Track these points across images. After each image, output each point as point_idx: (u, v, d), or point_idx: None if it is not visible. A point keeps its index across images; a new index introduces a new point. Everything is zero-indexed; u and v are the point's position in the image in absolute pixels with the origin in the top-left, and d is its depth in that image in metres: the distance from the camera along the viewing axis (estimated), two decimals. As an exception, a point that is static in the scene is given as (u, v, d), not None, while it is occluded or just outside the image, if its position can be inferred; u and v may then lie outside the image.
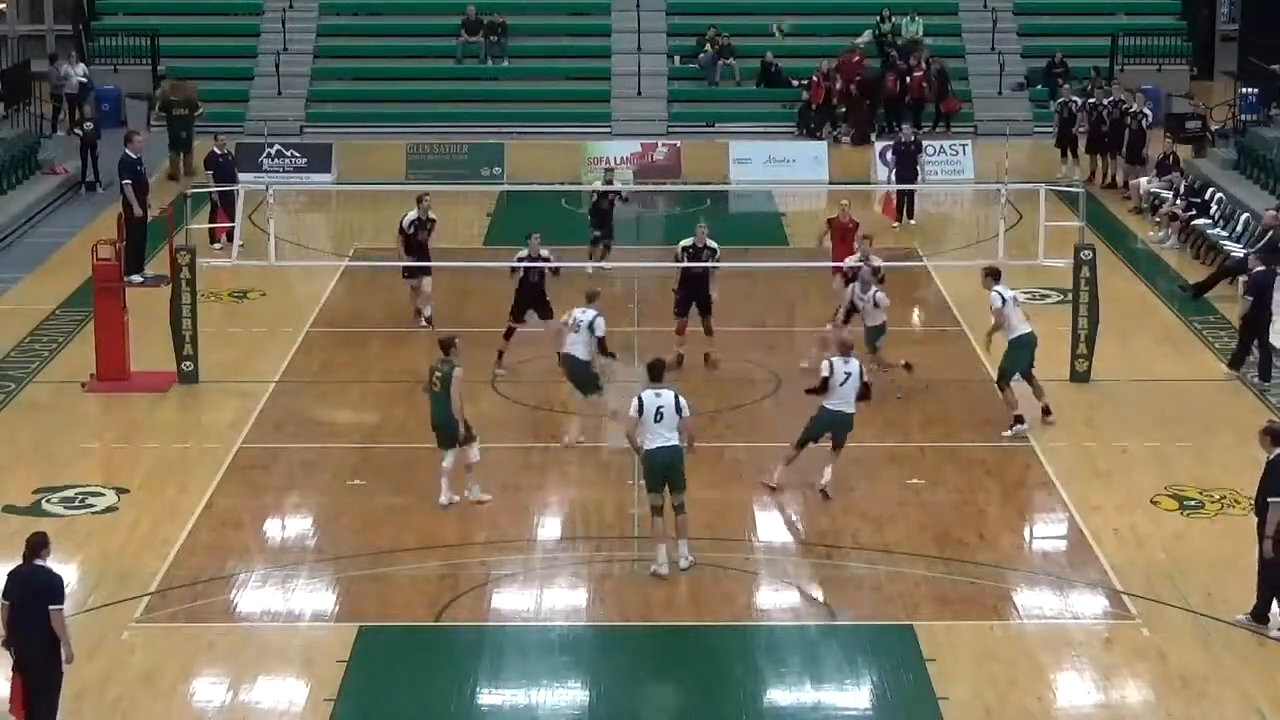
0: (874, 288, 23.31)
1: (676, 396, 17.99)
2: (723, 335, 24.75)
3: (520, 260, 24.10)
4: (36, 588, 14.26)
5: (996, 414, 22.78)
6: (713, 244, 24.37)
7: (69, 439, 21.96)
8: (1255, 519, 16.74)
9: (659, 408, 17.88)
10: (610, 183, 30.10)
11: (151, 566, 18.15)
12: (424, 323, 26.06)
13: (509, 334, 24.05)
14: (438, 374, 19.48)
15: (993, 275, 22.28)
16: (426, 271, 26.47)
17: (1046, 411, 22.21)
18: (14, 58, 44.00)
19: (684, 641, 16.91)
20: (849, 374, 19.82)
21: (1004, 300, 22.01)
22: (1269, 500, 16.45)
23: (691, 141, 39.75)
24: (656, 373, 18.34)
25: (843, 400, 19.86)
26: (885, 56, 42.56)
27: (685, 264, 24.30)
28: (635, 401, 18.05)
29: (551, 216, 32.69)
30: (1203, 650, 16.46)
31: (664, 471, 17.93)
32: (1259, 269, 24.39)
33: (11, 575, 14.51)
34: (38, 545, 14.43)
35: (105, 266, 23.97)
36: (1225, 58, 47.61)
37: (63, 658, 14.29)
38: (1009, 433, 21.87)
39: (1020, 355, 22.07)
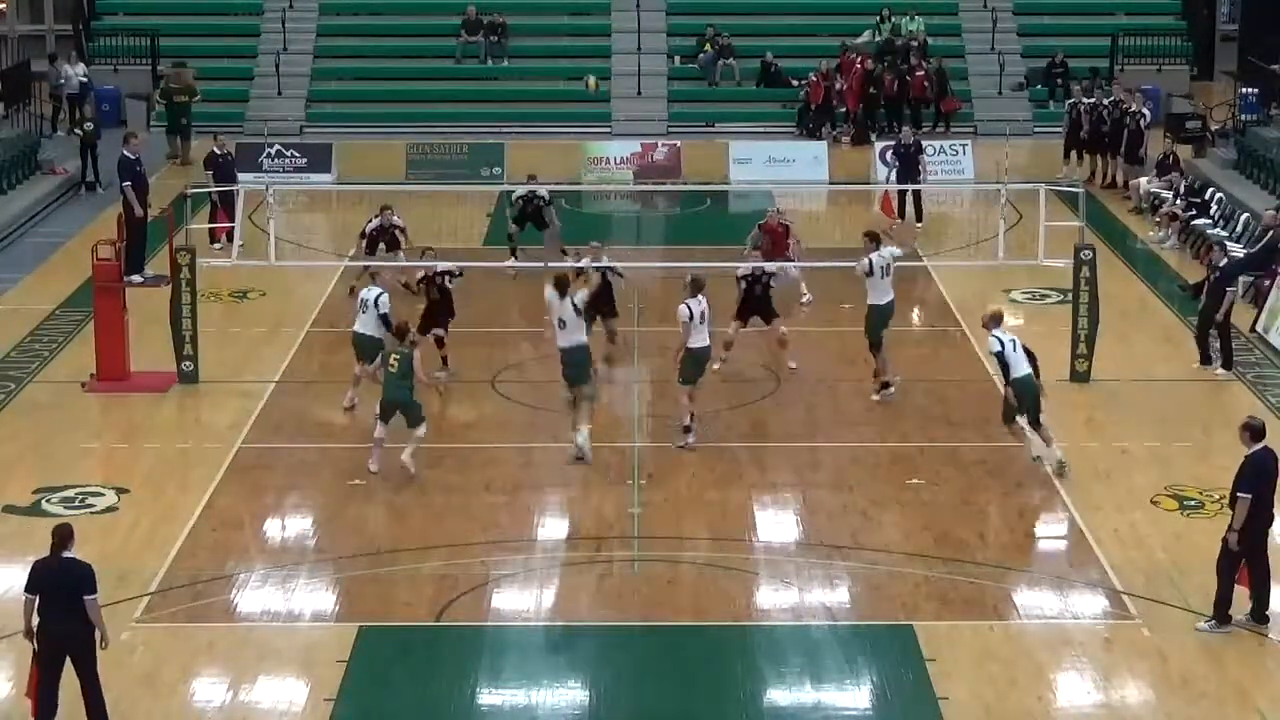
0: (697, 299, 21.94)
1: (572, 301, 21.06)
2: (723, 335, 24.68)
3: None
4: (70, 579, 14.50)
5: (996, 414, 22.78)
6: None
7: (69, 439, 21.96)
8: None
9: (560, 318, 20.93)
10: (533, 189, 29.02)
11: (151, 566, 18.17)
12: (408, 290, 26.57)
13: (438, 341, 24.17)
14: (395, 357, 20.43)
15: (873, 237, 23.25)
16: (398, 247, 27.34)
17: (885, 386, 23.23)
18: (14, 58, 44.01)
19: (684, 641, 16.91)
20: (1013, 340, 20.71)
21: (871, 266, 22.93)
22: (1238, 495, 16.51)
23: (691, 141, 39.74)
24: (561, 285, 21.15)
25: (1019, 366, 20.59)
26: (886, 56, 42.52)
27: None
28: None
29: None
30: (1203, 650, 16.46)
31: (574, 367, 20.97)
32: (1224, 260, 24.42)
33: (39, 568, 14.67)
34: (65, 537, 14.63)
35: (105, 266, 23.97)
36: (1225, 58, 47.60)
37: (98, 642, 14.63)
38: (876, 397, 22.95)
39: (877, 322, 23.16)
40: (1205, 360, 24.39)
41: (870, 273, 22.98)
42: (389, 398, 20.52)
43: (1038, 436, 20.78)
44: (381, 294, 22.41)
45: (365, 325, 22.43)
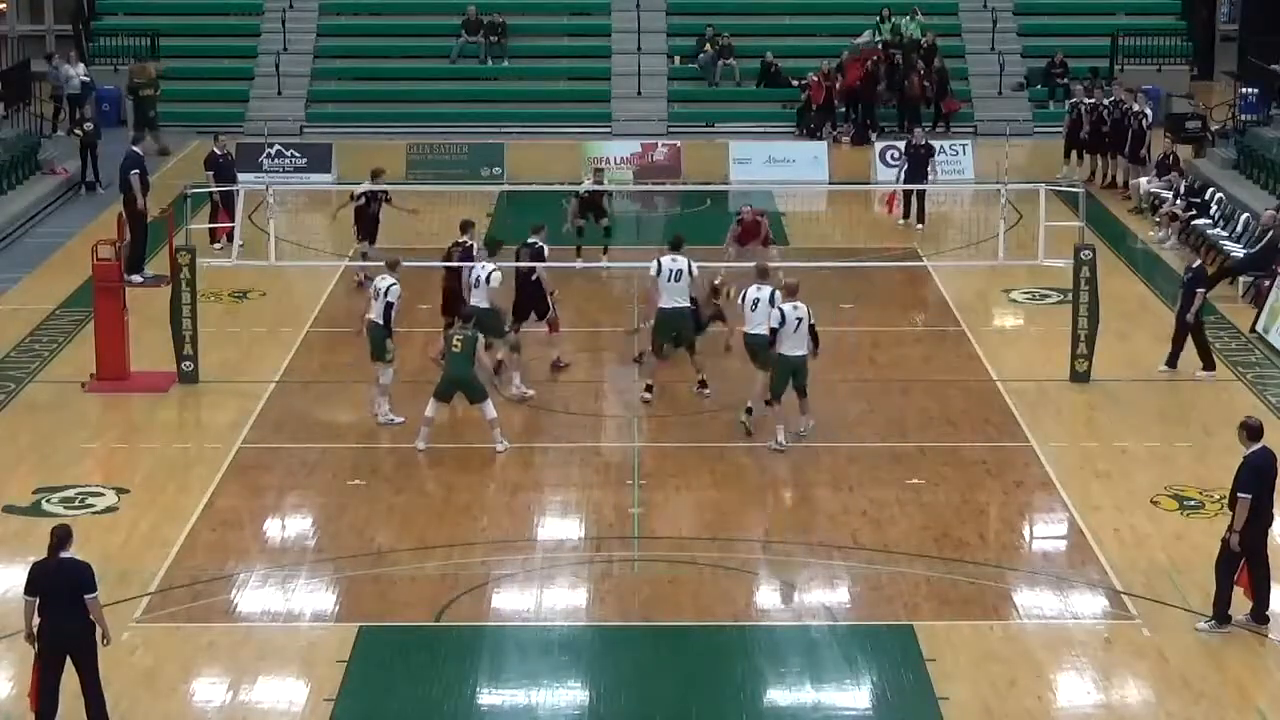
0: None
1: (488, 269, 22.98)
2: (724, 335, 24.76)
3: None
4: (70, 579, 14.51)
5: (996, 414, 22.81)
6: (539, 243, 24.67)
7: (69, 439, 21.96)
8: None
9: (476, 277, 22.96)
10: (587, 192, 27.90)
11: (151, 566, 18.16)
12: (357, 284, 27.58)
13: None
14: (458, 339, 21.19)
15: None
16: (373, 238, 27.92)
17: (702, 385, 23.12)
18: (14, 58, 44.01)
19: (684, 641, 16.90)
20: (799, 319, 21.05)
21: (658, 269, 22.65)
22: (1238, 495, 16.51)
23: (691, 141, 39.74)
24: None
25: (796, 344, 21.16)
26: (888, 57, 42.48)
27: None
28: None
29: (551, 216, 32.64)
30: (1203, 650, 16.46)
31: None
32: (1198, 263, 24.39)
33: (38, 569, 14.67)
34: (64, 538, 14.63)
35: (105, 266, 23.96)
36: (1225, 58, 47.61)
37: (98, 641, 14.64)
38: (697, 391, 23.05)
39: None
40: (1171, 363, 24.22)
41: (659, 274, 22.80)
42: (452, 375, 21.17)
43: (804, 415, 21.49)
44: (393, 284, 22.46)
45: (376, 314, 22.48)
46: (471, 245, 24.82)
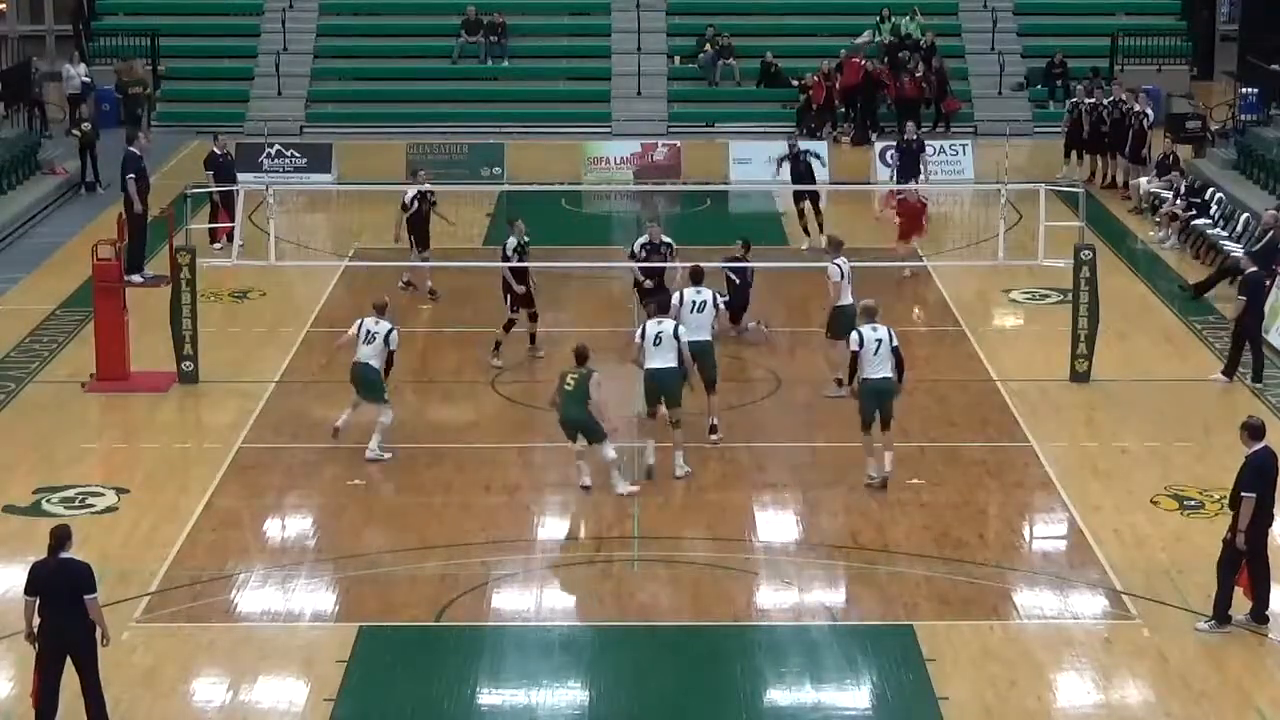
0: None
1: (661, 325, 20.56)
2: (722, 335, 24.68)
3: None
4: (69, 579, 14.52)
5: (996, 414, 22.82)
6: (668, 239, 24.98)
7: (69, 439, 21.96)
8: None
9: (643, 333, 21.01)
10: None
11: (151, 566, 18.16)
12: (428, 294, 27.50)
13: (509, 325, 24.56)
14: (571, 377, 19.85)
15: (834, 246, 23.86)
16: (427, 244, 27.71)
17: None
18: (14, 58, 44.01)
19: (684, 641, 16.91)
20: (879, 340, 20.07)
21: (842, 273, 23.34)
22: (1242, 495, 16.51)
23: (691, 141, 39.74)
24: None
25: (878, 367, 20.05)
26: (888, 56, 42.48)
27: (645, 263, 24.69)
28: None
29: (551, 216, 32.71)
30: (1203, 650, 16.46)
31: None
32: (1252, 269, 24.35)
33: (38, 569, 14.69)
34: (63, 538, 14.65)
35: (105, 266, 23.96)
36: (1225, 58, 47.59)
37: (98, 641, 14.66)
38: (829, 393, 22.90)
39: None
40: (1256, 377, 23.98)
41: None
42: (567, 417, 19.97)
43: (886, 452, 20.20)
44: (392, 330, 21.13)
45: (371, 357, 21.09)
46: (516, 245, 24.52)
